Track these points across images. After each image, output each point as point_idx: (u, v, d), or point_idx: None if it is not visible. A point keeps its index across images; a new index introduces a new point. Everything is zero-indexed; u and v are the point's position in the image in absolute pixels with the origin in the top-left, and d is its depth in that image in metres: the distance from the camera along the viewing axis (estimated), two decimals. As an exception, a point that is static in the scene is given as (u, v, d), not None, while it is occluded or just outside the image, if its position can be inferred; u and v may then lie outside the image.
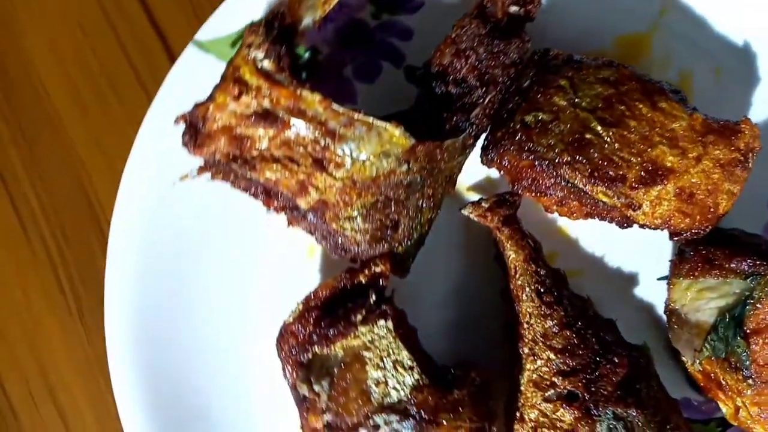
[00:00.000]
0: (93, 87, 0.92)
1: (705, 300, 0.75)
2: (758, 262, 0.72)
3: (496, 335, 0.82)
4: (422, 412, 0.67)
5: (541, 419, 0.75)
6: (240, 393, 0.83)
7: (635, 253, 0.84)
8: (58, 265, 0.91)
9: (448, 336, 0.83)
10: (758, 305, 0.72)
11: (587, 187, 0.72)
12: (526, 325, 0.77)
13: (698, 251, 0.76)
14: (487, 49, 0.74)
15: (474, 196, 0.84)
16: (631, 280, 0.84)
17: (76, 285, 0.91)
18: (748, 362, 0.72)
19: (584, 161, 0.71)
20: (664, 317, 0.81)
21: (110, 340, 0.80)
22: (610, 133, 0.71)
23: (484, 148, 0.78)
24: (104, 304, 0.81)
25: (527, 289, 0.78)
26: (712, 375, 0.76)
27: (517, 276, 0.79)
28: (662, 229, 0.76)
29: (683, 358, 0.79)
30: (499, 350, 0.81)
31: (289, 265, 0.84)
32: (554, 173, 0.72)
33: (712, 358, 0.75)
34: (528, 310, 0.77)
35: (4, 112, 0.92)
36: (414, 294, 0.82)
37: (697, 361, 0.77)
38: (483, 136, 0.78)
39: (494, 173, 0.84)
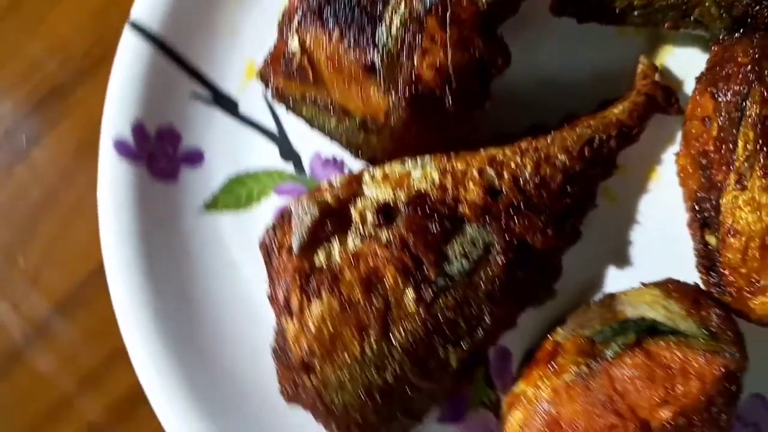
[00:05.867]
0: None
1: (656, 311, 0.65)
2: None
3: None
4: None
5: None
6: None
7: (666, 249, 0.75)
8: None
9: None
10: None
11: (753, 130, 0.63)
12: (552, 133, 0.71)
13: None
14: None
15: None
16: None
17: None
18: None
19: None
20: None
21: None
22: None
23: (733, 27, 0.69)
24: None
25: (590, 131, 0.71)
26: (560, 349, 0.66)
27: (598, 119, 0.72)
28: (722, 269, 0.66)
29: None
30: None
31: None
32: (747, 84, 0.64)
33: (584, 337, 0.65)
34: (575, 130, 0.71)
35: None
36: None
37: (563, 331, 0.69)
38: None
39: (690, 82, 0.75)
